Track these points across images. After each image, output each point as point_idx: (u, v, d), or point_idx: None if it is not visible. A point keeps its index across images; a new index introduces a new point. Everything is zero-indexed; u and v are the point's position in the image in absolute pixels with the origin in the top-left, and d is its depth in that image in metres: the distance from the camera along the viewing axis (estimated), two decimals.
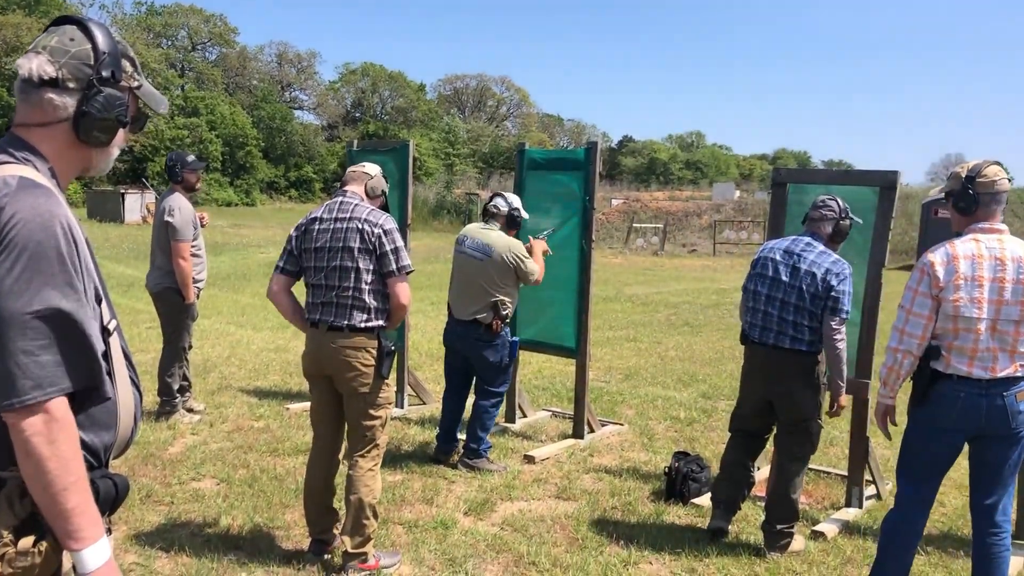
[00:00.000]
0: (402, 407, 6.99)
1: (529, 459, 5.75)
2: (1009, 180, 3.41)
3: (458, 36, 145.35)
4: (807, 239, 4.37)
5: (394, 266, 3.85)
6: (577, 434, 6.28)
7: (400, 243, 3.88)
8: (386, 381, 3.95)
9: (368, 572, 3.92)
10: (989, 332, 3.29)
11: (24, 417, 1.52)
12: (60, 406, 1.55)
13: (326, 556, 4.10)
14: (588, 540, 4.45)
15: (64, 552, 1.62)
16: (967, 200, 3.36)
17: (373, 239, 3.82)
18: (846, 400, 4.39)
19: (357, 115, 67.44)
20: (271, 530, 4.44)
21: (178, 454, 5.60)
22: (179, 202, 6.24)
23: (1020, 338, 3.30)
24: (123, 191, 33.67)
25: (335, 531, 4.13)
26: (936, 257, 3.36)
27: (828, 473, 5.62)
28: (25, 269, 1.53)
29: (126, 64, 1.78)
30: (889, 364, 3.47)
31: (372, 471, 3.96)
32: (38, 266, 1.54)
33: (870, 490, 5.19)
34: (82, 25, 1.73)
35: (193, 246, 6.27)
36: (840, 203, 4.41)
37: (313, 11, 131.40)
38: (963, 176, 3.37)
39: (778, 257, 4.36)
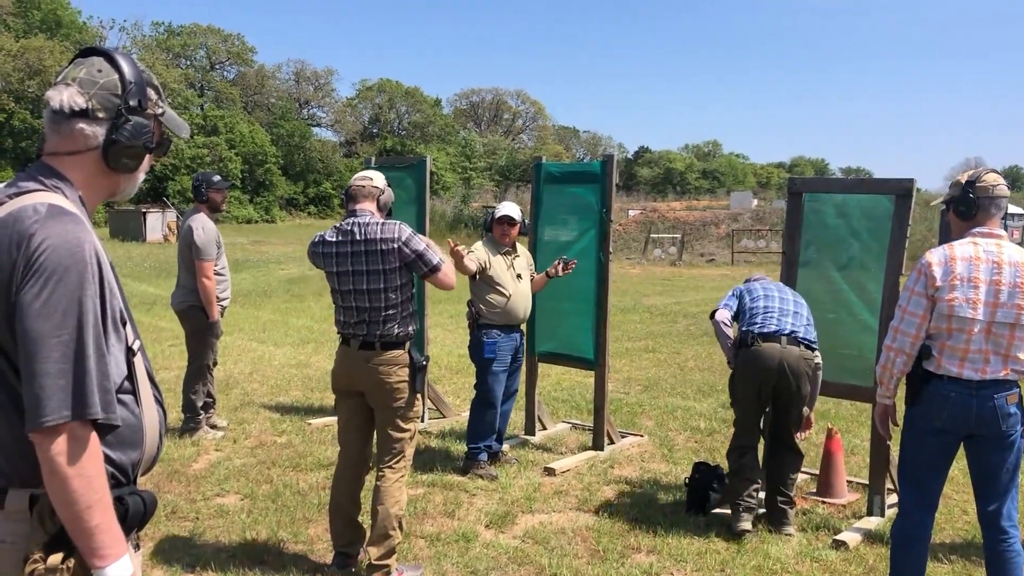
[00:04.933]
0: (422, 420, 7.03)
1: (549, 471, 5.77)
2: (1007, 187, 3.49)
3: (473, 51, 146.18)
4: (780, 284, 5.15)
5: (425, 268, 3.98)
6: (597, 446, 6.30)
7: (421, 245, 3.96)
8: (418, 395, 4.07)
9: None
10: (983, 334, 3.35)
11: (50, 437, 1.56)
12: (84, 427, 1.59)
13: (350, 569, 4.15)
14: (609, 552, 4.47)
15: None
16: (967, 204, 3.46)
17: (395, 254, 3.93)
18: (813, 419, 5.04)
19: (374, 131, 67.91)
20: (295, 545, 4.48)
21: (202, 470, 5.67)
22: (202, 221, 6.33)
23: (1014, 342, 3.35)
24: (144, 210, 34.08)
25: (360, 545, 4.18)
26: (934, 257, 3.43)
27: (849, 482, 5.60)
28: (53, 293, 1.58)
29: (151, 92, 1.84)
30: (882, 362, 3.56)
31: (399, 483, 4.05)
32: (66, 291, 1.59)
33: (892, 498, 5.16)
34: (108, 56, 1.80)
35: (217, 265, 6.36)
36: None
37: (330, 29, 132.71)
38: (963, 182, 3.48)
39: (772, 286, 4.99)
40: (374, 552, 3.95)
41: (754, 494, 4.75)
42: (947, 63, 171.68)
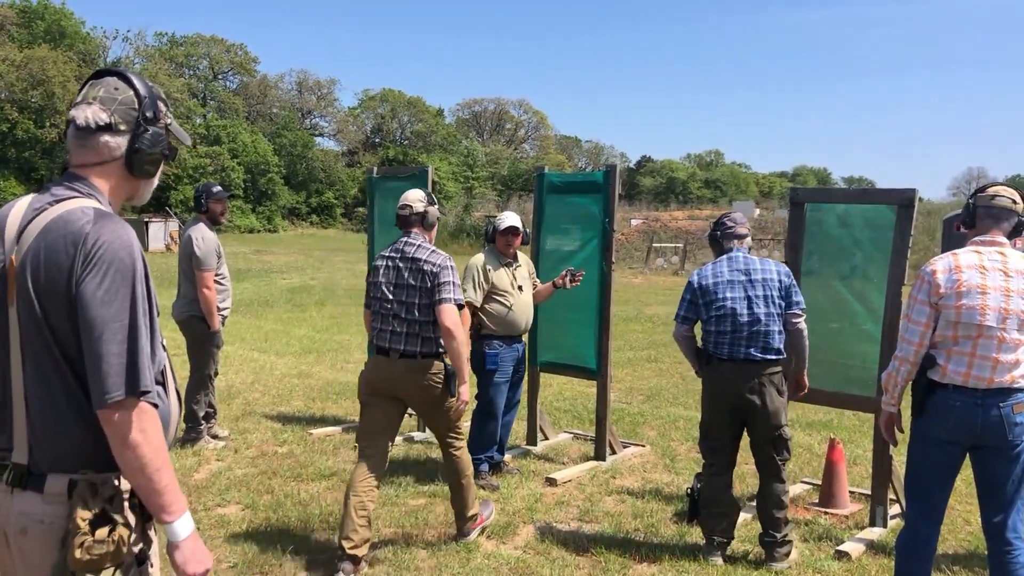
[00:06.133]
0: (424, 430, 7.02)
1: (551, 481, 5.75)
2: (1013, 201, 3.47)
3: (476, 60, 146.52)
4: (740, 254, 4.61)
5: (437, 296, 4.30)
6: (599, 456, 6.28)
7: (452, 279, 4.34)
8: (452, 395, 4.44)
9: (480, 526, 4.73)
10: (996, 341, 3.35)
11: (118, 412, 1.78)
12: (146, 401, 1.81)
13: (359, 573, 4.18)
14: (611, 562, 4.45)
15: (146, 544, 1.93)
16: (967, 212, 3.55)
17: (431, 277, 4.32)
18: (807, 380, 4.74)
19: (377, 140, 67.98)
20: (296, 555, 4.47)
21: (203, 480, 5.66)
22: (201, 231, 6.35)
23: (1020, 347, 3.36)
24: (147, 219, 34.16)
25: (367, 546, 4.23)
26: (938, 265, 3.45)
27: (852, 492, 5.58)
28: (112, 283, 1.79)
29: (161, 105, 2.03)
30: (888, 370, 3.59)
31: (460, 451, 4.61)
32: (123, 281, 1.81)
33: (894, 509, 5.15)
34: (122, 75, 2.01)
35: (218, 275, 6.37)
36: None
37: (332, 39, 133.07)
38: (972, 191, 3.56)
39: (726, 279, 4.52)
40: (465, 511, 4.63)
41: (728, 528, 4.55)
42: (950, 73, 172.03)
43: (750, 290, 4.47)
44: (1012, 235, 3.51)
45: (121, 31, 63.83)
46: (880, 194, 5.32)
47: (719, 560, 4.48)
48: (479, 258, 5.80)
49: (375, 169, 7.52)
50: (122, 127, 1.95)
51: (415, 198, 4.54)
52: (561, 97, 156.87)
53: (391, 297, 4.39)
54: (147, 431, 1.80)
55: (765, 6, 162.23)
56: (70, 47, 46.18)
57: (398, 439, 6.79)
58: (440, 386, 4.38)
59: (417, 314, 4.33)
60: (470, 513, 4.66)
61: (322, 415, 7.64)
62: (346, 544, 4.14)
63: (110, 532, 1.82)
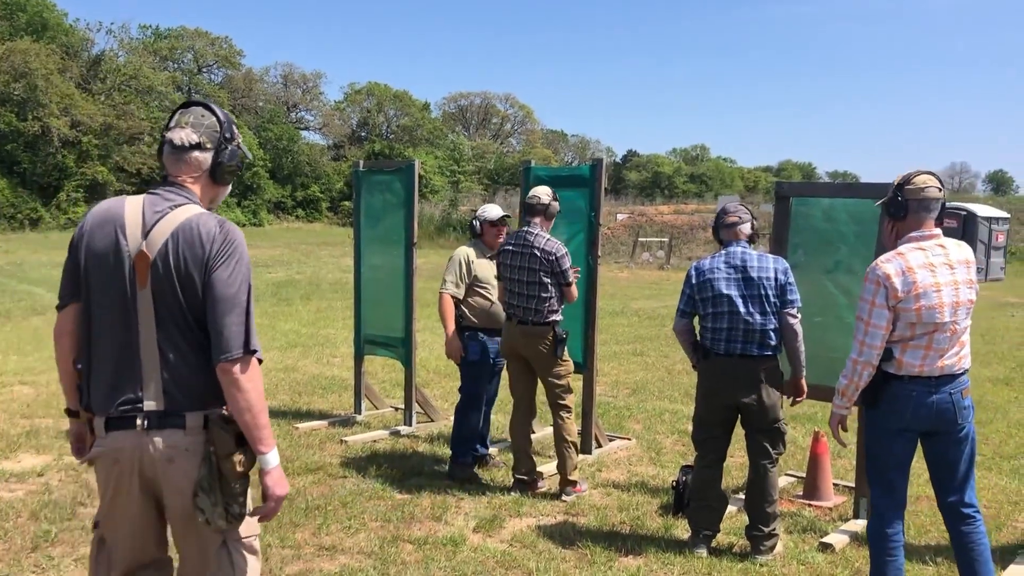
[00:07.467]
0: (410, 424, 7.02)
1: (537, 474, 5.75)
2: (939, 189, 3.49)
3: (462, 55, 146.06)
4: (739, 249, 4.51)
5: (566, 280, 5.26)
6: (585, 449, 6.29)
7: (567, 265, 5.23)
8: (561, 359, 5.32)
9: (578, 493, 5.37)
10: (948, 333, 3.43)
11: (236, 365, 2.34)
12: (254, 358, 2.38)
13: (528, 493, 5.36)
14: (597, 555, 4.47)
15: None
16: (896, 206, 3.52)
17: (549, 264, 5.19)
18: (805, 385, 4.65)
19: (363, 134, 67.64)
20: (281, 549, 4.46)
21: None
22: None
23: (966, 332, 3.49)
24: None
25: (535, 473, 5.47)
26: (890, 269, 3.43)
27: (836, 485, 5.62)
28: (236, 270, 2.39)
29: (234, 128, 2.57)
30: (849, 375, 3.56)
31: (568, 419, 5.39)
32: (245, 269, 2.42)
33: None
34: (205, 105, 2.55)
35: None
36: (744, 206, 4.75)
37: (318, 32, 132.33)
38: (895, 183, 3.54)
39: (722, 275, 4.46)
40: (566, 472, 5.33)
41: (715, 522, 4.58)
42: (934, 68, 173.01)
43: (745, 288, 4.41)
44: (938, 219, 3.53)
45: (105, 23, 63.09)
46: (865, 188, 5.34)
47: (704, 552, 4.50)
48: (464, 250, 5.79)
49: (361, 163, 7.50)
50: (208, 145, 2.49)
51: (543, 192, 5.37)
52: (548, 91, 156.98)
53: (514, 278, 5.27)
54: (255, 380, 2.37)
55: (752, 0, 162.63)
56: (52, 39, 45.65)
57: (384, 433, 6.80)
58: (548, 347, 5.26)
59: (532, 291, 5.22)
60: (571, 477, 5.35)
61: (308, 409, 7.63)
62: (517, 469, 5.45)
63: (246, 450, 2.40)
